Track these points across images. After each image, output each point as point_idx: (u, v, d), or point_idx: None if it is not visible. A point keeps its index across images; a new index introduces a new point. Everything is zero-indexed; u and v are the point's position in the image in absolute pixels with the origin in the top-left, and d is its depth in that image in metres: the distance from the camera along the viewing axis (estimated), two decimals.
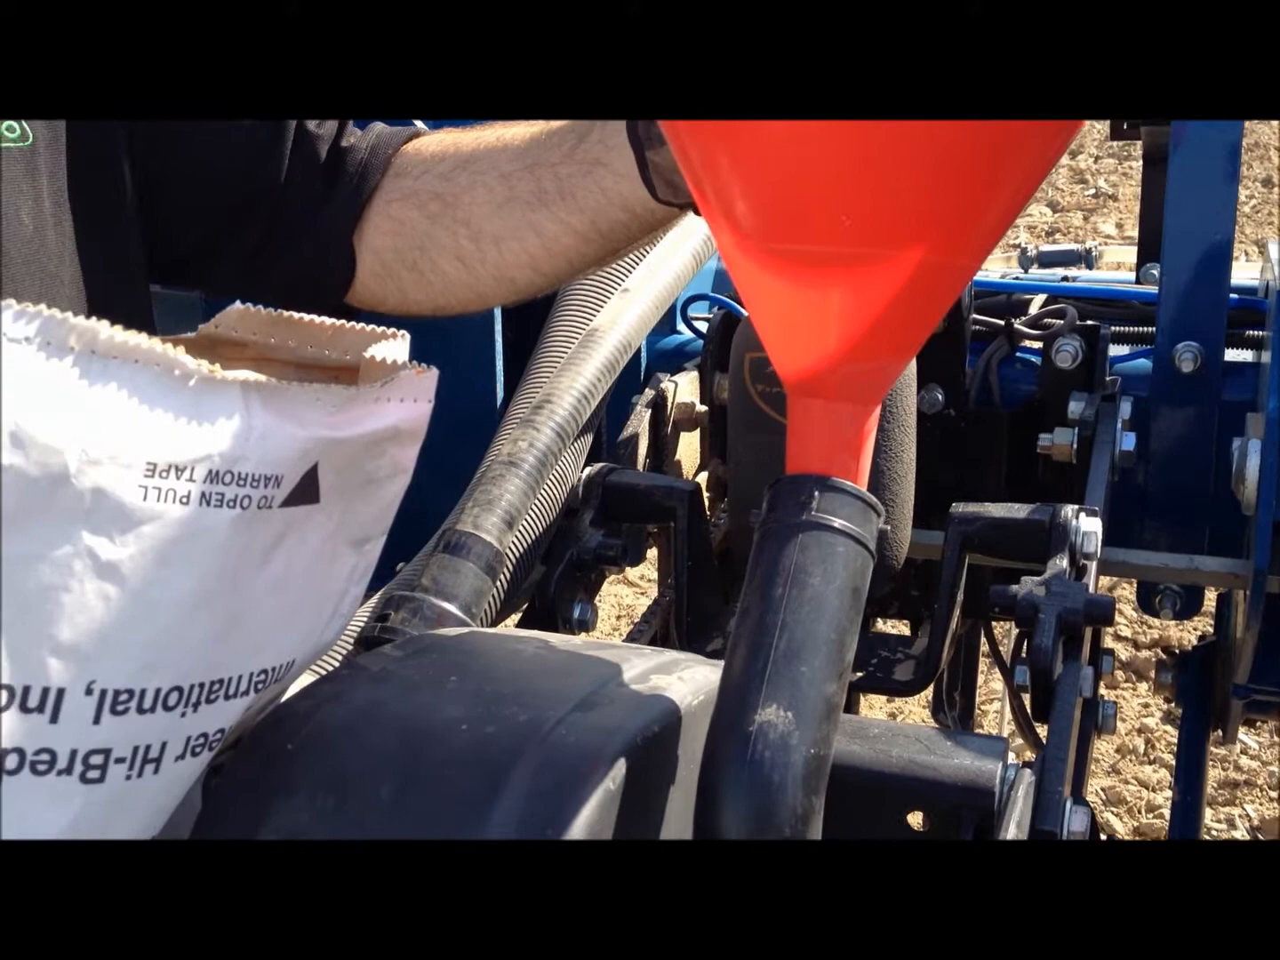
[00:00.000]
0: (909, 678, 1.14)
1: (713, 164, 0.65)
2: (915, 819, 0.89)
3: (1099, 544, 1.06)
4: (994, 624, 1.64)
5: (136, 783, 0.57)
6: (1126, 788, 2.81)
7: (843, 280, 0.65)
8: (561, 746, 0.62)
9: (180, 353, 0.56)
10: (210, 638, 0.58)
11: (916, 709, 2.85)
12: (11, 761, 0.52)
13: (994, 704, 2.91)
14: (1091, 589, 1.05)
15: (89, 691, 0.54)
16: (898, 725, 0.94)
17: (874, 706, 2.84)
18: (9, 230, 0.83)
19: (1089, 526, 1.06)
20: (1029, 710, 1.04)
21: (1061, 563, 1.04)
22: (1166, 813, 2.72)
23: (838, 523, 0.67)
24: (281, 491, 0.60)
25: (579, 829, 0.59)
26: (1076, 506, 1.08)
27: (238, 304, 0.65)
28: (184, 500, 0.56)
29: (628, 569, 1.48)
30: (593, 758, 0.62)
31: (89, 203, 0.88)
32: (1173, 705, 2.77)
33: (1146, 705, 3.07)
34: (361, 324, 0.69)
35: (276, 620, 0.63)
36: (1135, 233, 1.80)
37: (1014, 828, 0.82)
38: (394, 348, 0.68)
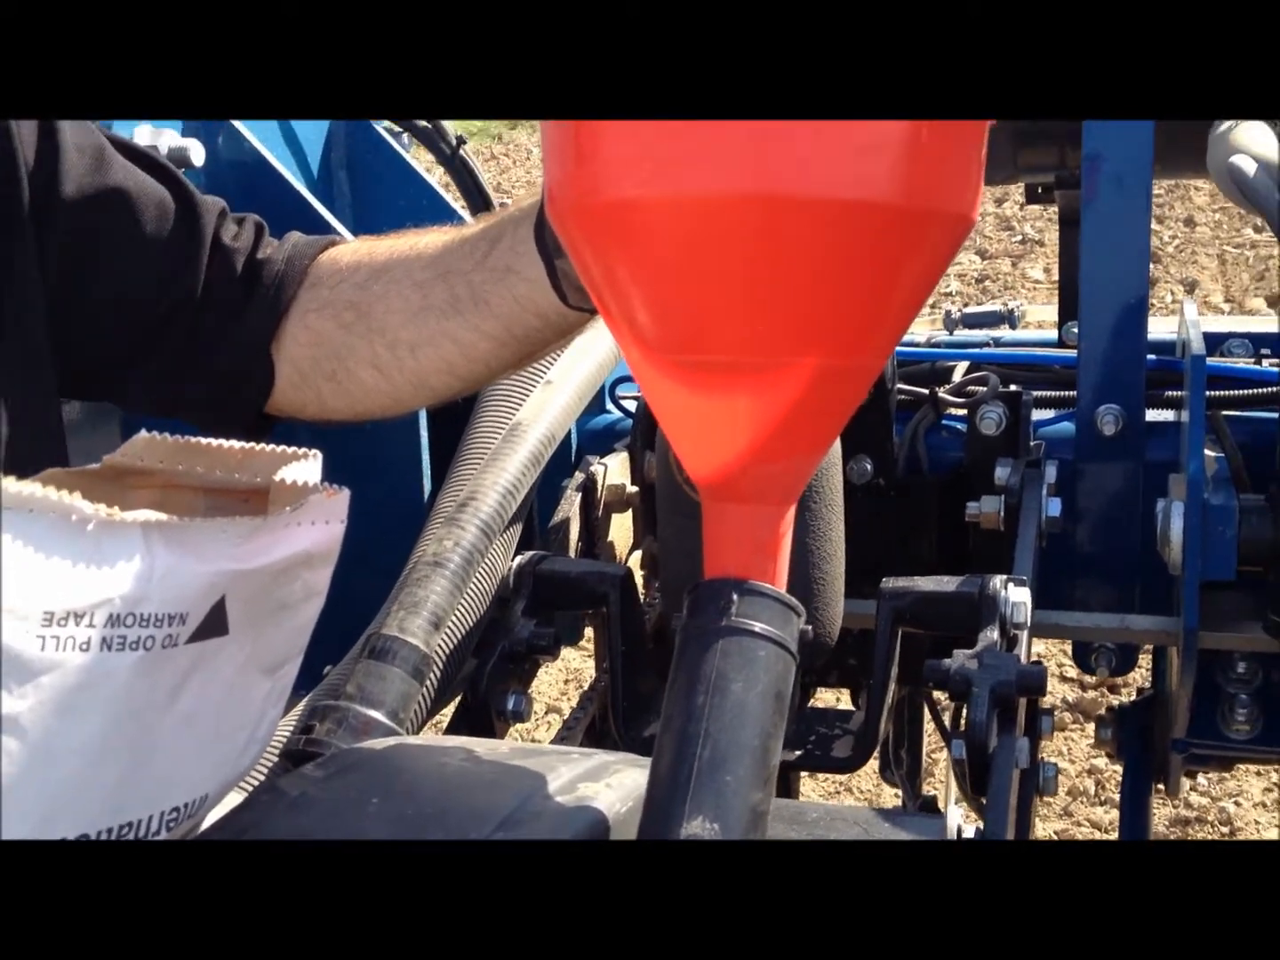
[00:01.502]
0: (847, 754, 1.14)
1: (611, 275, 0.66)
2: None
3: (1029, 614, 1.07)
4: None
5: None
6: (1079, 830, 2.82)
7: (747, 388, 0.65)
8: None
9: (76, 498, 0.55)
10: (116, 782, 0.57)
11: (867, 770, 2.84)
12: None
13: (944, 752, 2.91)
14: (1024, 658, 1.05)
15: None
16: (836, 808, 0.94)
17: (825, 779, 2.83)
18: None
19: (1018, 597, 1.07)
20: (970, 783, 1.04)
21: (992, 634, 1.05)
22: None
23: (758, 627, 0.67)
24: (187, 628, 0.59)
25: None
26: (1005, 577, 1.09)
27: (143, 433, 0.65)
28: (84, 647, 0.55)
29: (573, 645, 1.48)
30: None
31: (0, 314, 0.87)
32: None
33: (1094, 745, 3.08)
34: (271, 446, 0.69)
35: (187, 756, 0.62)
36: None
37: None
38: (304, 469, 0.68)
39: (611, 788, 0.71)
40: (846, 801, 2.79)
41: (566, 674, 3.30)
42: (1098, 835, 2.76)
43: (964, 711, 1.14)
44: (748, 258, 0.61)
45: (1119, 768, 3.02)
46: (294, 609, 0.67)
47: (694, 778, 0.63)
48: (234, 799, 0.73)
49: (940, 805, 1.69)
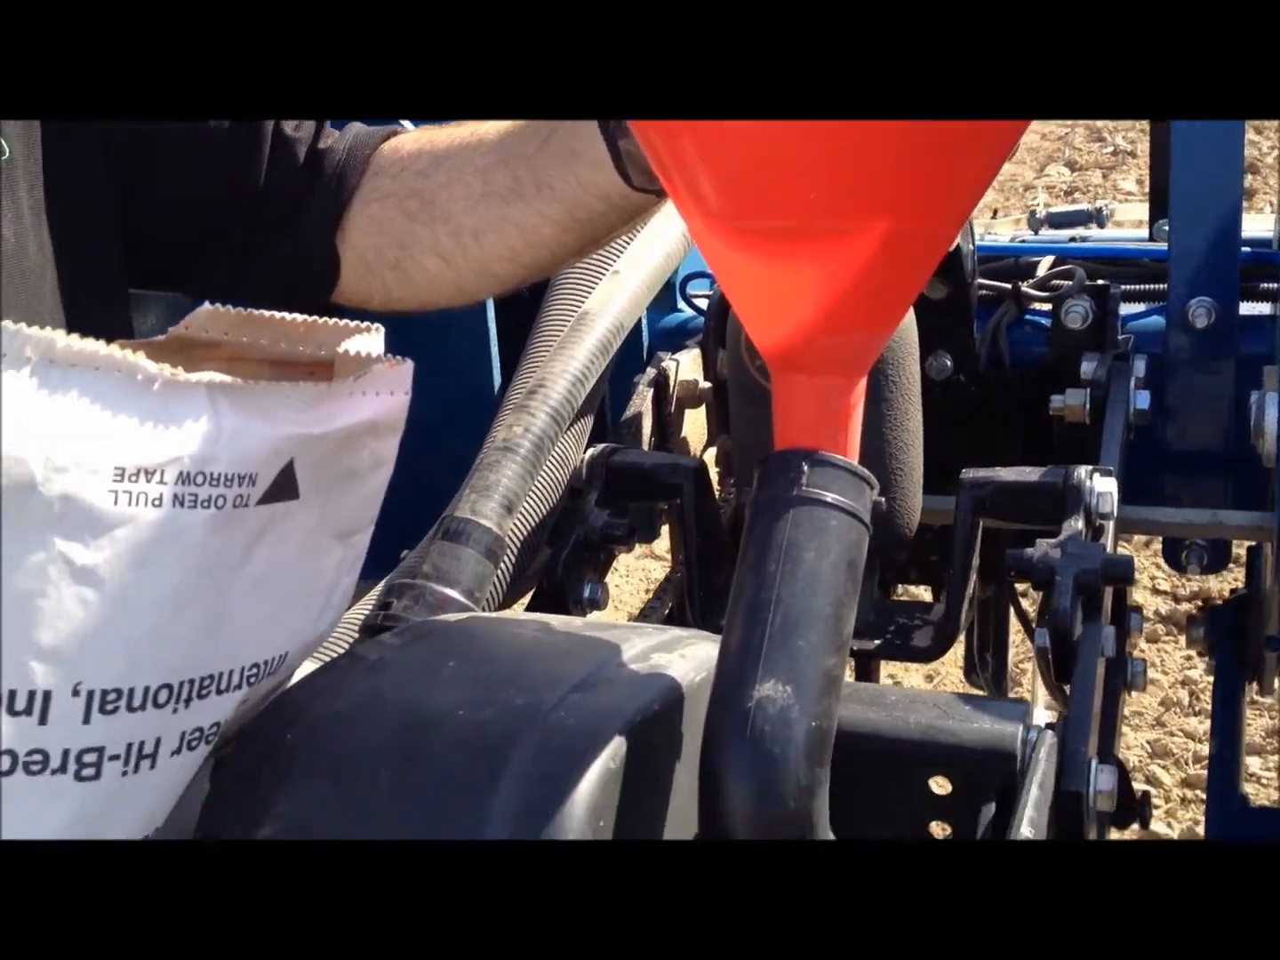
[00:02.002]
0: (927, 644, 1.12)
1: (675, 148, 0.64)
2: (939, 784, 0.88)
3: (1114, 504, 1.04)
4: (1019, 585, 1.62)
5: (133, 778, 0.57)
6: (1172, 740, 2.78)
7: (813, 255, 0.63)
8: (560, 729, 0.62)
9: (141, 357, 0.55)
10: (195, 635, 0.58)
11: (954, 671, 2.83)
12: (4, 763, 0.52)
13: (1032, 662, 2.88)
14: (1109, 549, 1.03)
15: (76, 693, 0.54)
16: (915, 692, 0.93)
17: (909, 671, 2.82)
18: None
19: (1103, 487, 1.04)
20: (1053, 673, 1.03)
21: (1077, 524, 1.02)
22: None
23: (830, 497, 0.65)
24: (257, 489, 0.60)
25: (579, 810, 0.58)
26: (1090, 467, 1.06)
27: (207, 305, 0.65)
28: (156, 503, 0.55)
29: (655, 545, 1.48)
30: (592, 739, 0.61)
31: (67, 213, 0.88)
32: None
33: (1189, 658, 3.03)
34: (334, 319, 0.68)
35: (264, 615, 0.62)
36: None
37: (1036, 789, 0.81)
38: (368, 341, 0.68)
39: (685, 658, 0.71)
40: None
41: (647, 583, 3.31)
42: (1192, 745, 2.72)
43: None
44: (815, 129, 0.59)
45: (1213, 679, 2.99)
46: (363, 477, 0.67)
47: (766, 641, 0.62)
48: (312, 665, 0.75)
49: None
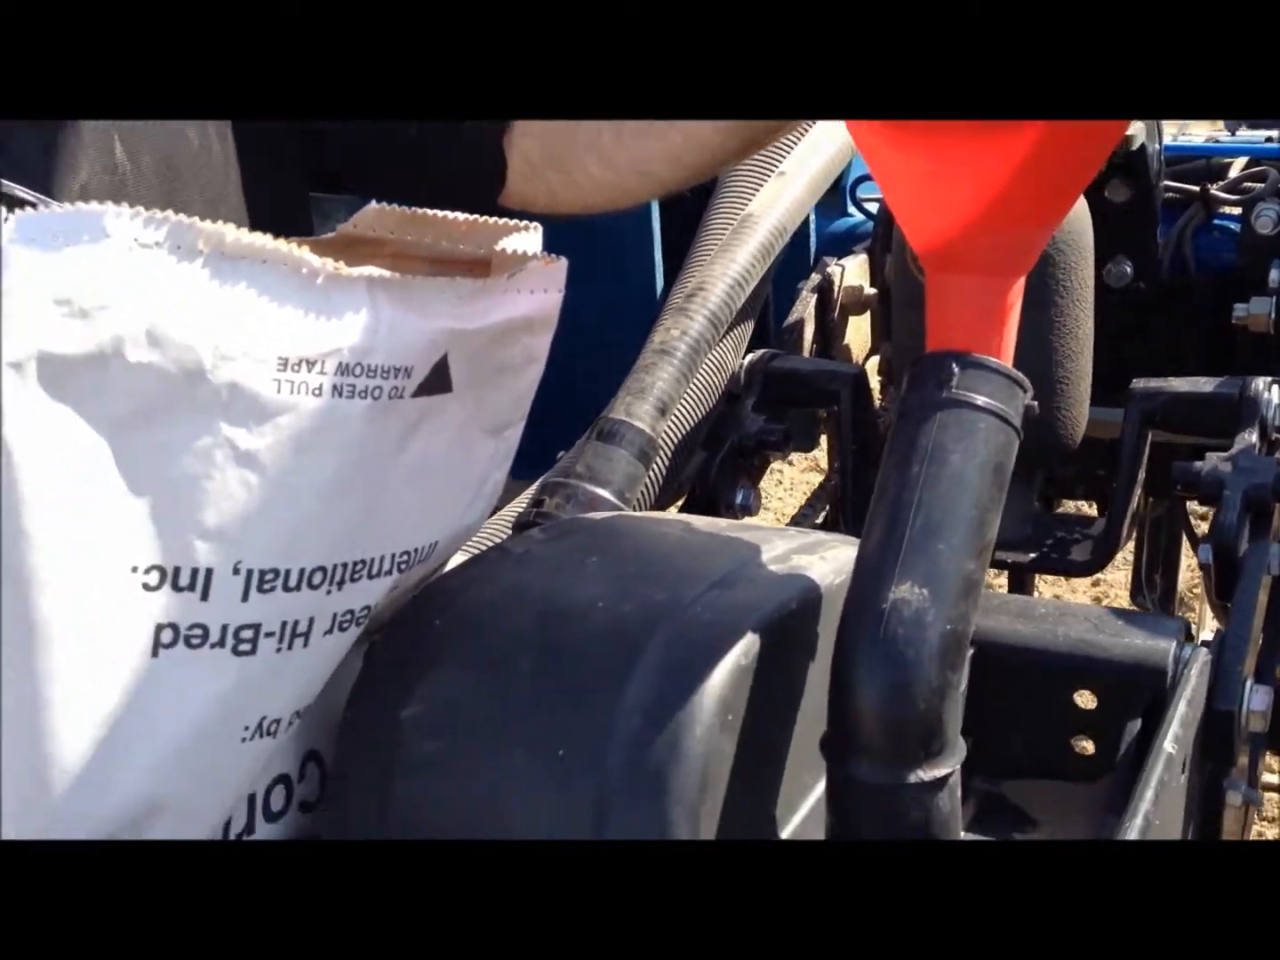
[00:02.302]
0: (1086, 558, 1.10)
1: None
2: (1085, 698, 0.87)
3: None
4: (1192, 504, 1.56)
5: (286, 655, 0.60)
6: None
7: (972, 147, 0.62)
8: (696, 623, 0.63)
9: (306, 252, 0.57)
10: (351, 521, 0.61)
11: (1120, 595, 2.74)
12: (167, 636, 0.55)
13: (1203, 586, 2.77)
14: None
15: (236, 571, 0.57)
16: (1066, 605, 0.92)
17: (1077, 591, 2.75)
18: (177, 148, 0.86)
19: None
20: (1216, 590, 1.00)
21: (1250, 437, 0.98)
22: None
23: (979, 399, 0.65)
24: (412, 382, 0.62)
25: (709, 701, 0.59)
26: (1269, 379, 1.01)
27: (374, 203, 0.67)
28: (316, 392, 0.58)
29: (821, 459, 1.47)
30: (726, 634, 0.62)
31: (250, 130, 0.91)
32: None
33: None
34: (494, 219, 0.70)
35: (416, 504, 0.65)
36: None
37: (1184, 705, 0.79)
38: (525, 240, 0.69)
39: (826, 560, 0.71)
40: None
41: (807, 489, 3.30)
42: None
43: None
44: None
45: None
46: (515, 372, 0.69)
47: (906, 543, 0.62)
48: (464, 558, 0.77)
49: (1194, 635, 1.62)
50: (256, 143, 0.93)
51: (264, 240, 0.56)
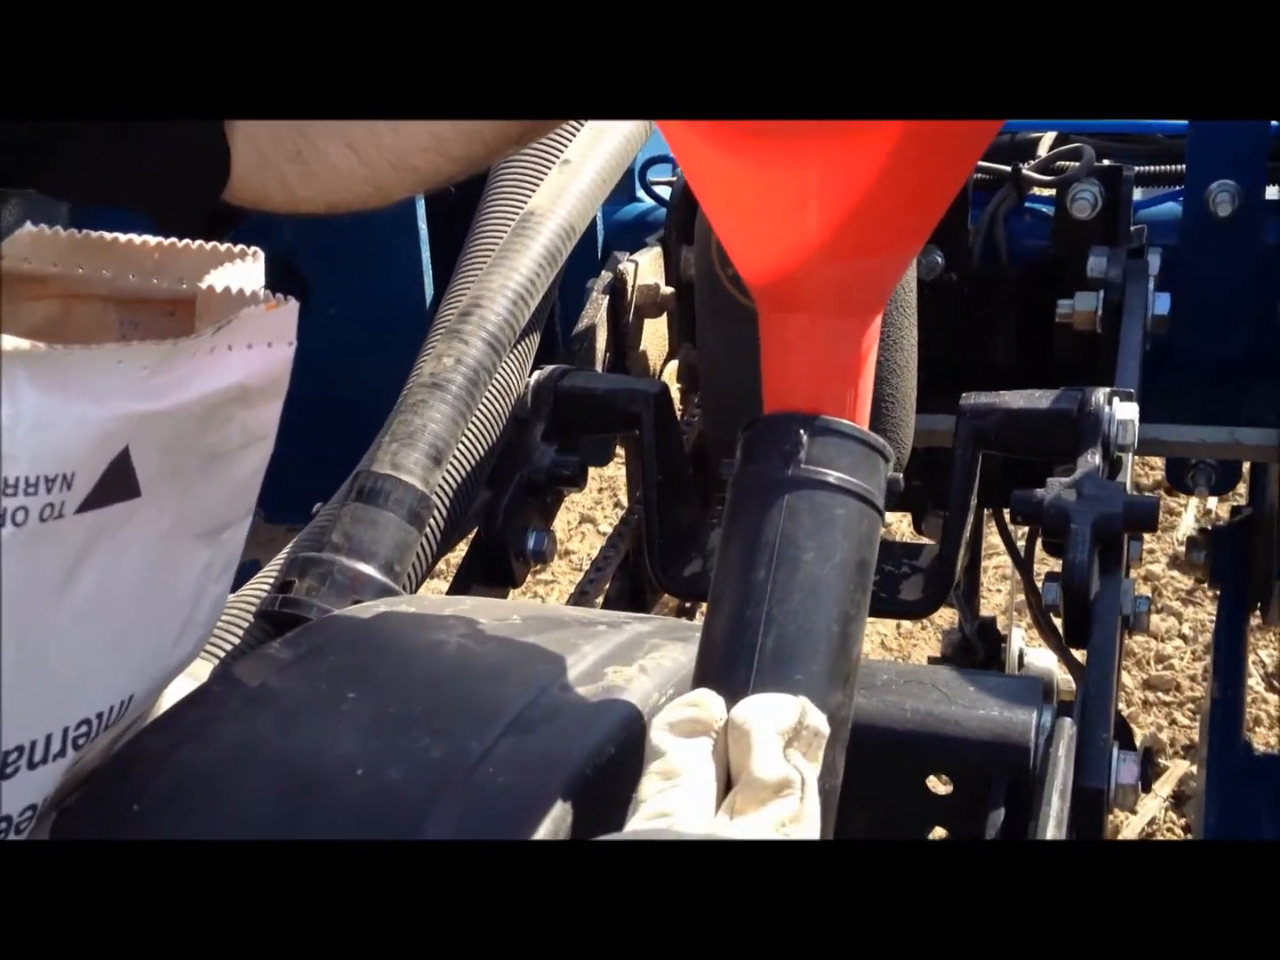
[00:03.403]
0: (918, 596, 0.99)
1: None
2: (937, 783, 0.76)
3: (1135, 434, 0.91)
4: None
5: None
6: (1133, 640, 2.71)
7: (820, 155, 0.48)
8: (487, 792, 0.48)
9: None
10: None
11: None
12: None
13: (993, 559, 2.78)
14: (1128, 486, 0.90)
15: None
16: (910, 668, 0.80)
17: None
18: None
19: (1125, 414, 0.90)
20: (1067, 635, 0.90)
21: (1094, 458, 0.89)
22: (1175, 663, 2.63)
23: (834, 476, 0.51)
24: (76, 493, 0.44)
25: None
26: (1108, 390, 0.92)
27: (29, 226, 0.49)
28: None
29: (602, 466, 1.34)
30: (528, 805, 0.48)
31: None
32: (1182, 553, 2.65)
33: (1151, 550, 2.94)
34: (199, 243, 0.53)
35: (95, 654, 0.48)
36: None
37: (1056, 799, 0.69)
38: (243, 272, 0.52)
39: (646, 672, 0.57)
40: (897, 624, 2.67)
41: (600, 480, 3.17)
42: (1154, 644, 2.64)
43: (1039, 538, 0.99)
44: None
45: (1176, 573, 2.90)
46: (231, 458, 0.52)
47: (754, 676, 0.48)
48: (187, 685, 0.60)
49: (1000, 629, 1.57)
50: None
51: None
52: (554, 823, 0.47)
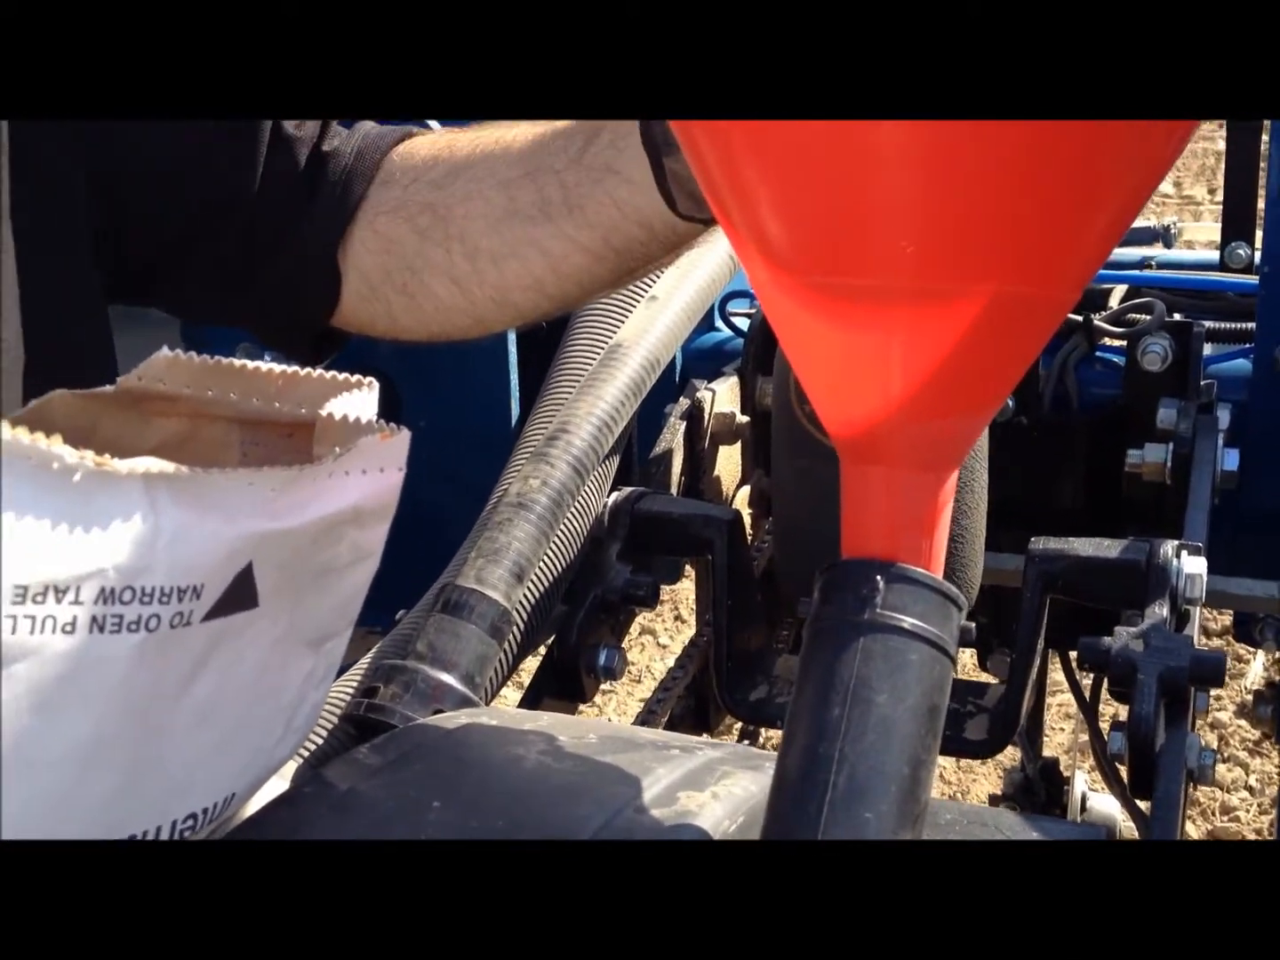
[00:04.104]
0: (983, 736, 1.00)
1: (735, 175, 0.52)
2: None
3: (1203, 588, 0.92)
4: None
5: None
6: (1199, 790, 2.65)
7: (904, 321, 0.51)
8: None
9: (57, 442, 0.43)
10: (113, 792, 0.46)
11: None
12: None
13: (1056, 696, 2.76)
14: (1195, 641, 0.91)
15: None
16: (975, 810, 0.81)
17: None
18: None
19: (1192, 568, 0.92)
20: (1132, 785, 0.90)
21: (1161, 610, 0.90)
22: (1241, 815, 2.58)
23: (908, 622, 0.53)
24: (204, 603, 0.48)
25: None
26: (1176, 543, 0.93)
27: (165, 350, 0.53)
28: (68, 629, 0.43)
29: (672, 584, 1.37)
30: None
31: (36, 221, 0.76)
32: (1249, 702, 2.61)
33: (1218, 698, 2.90)
34: (319, 372, 0.57)
35: (206, 753, 0.51)
36: (1194, 191, 1.63)
37: None
38: (358, 401, 0.56)
39: (719, 799, 0.59)
40: (961, 762, 2.64)
41: (662, 594, 3.19)
42: (1219, 795, 2.59)
43: (1104, 683, 0.99)
44: (918, 151, 0.47)
45: (1243, 723, 2.85)
46: (340, 574, 0.55)
47: (825, 812, 0.50)
48: (277, 784, 0.63)
49: (1063, 770, 1.56)
50: (44, 247, 0.78)
51: None
52: None
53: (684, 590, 3.04)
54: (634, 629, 3.03)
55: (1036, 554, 0.94)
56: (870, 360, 0.53)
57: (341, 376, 0.57)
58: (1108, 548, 0.94)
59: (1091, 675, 1.28)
